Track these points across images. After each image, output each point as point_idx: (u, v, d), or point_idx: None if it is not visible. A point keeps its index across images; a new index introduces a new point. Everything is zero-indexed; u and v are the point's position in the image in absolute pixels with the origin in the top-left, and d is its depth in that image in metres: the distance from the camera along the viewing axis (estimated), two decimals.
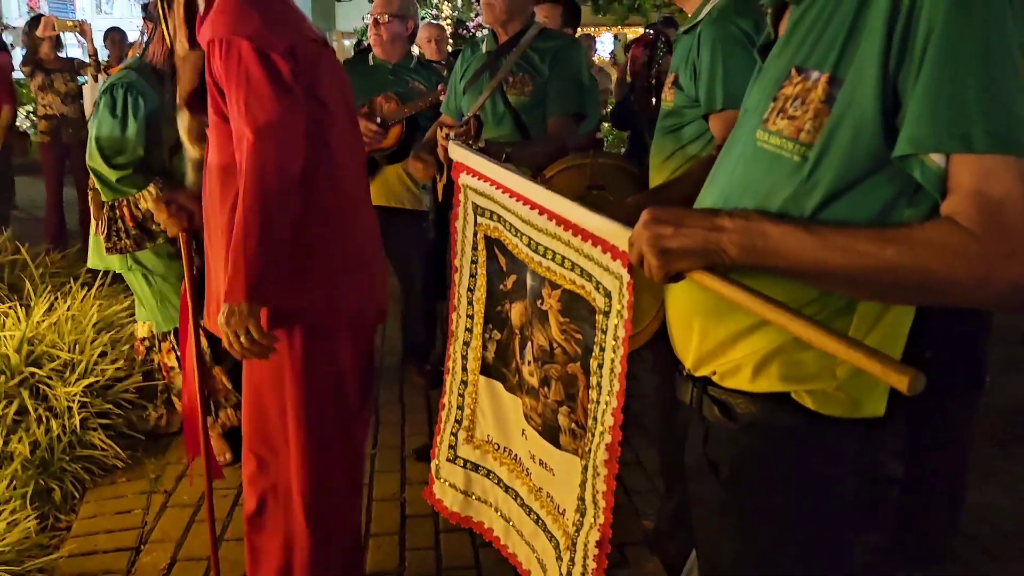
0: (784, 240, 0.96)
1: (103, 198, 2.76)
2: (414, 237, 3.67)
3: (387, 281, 2.08)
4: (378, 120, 3.39)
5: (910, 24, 0.90)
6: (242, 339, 1.63)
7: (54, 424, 2.84)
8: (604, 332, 1.33)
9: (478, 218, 1.67)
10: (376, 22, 3.53)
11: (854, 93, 0.95)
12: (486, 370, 1.72)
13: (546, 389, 1.51)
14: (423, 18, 16.32)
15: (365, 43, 7.02)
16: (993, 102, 0.86)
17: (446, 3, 12.43)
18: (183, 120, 2.05)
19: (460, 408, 1.75)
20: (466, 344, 1.74)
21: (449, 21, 12.51)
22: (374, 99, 3.44)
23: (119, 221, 2.68)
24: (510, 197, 1.53)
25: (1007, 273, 0.86)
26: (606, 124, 7.24)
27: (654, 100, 4.08)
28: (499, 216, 1.60)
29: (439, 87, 3.33)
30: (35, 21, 6.03)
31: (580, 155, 2.64)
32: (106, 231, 2.73)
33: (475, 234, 1.69)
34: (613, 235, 1.25)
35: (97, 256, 2.96)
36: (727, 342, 1.10)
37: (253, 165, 1.60)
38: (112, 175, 2.70)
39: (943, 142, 0.88)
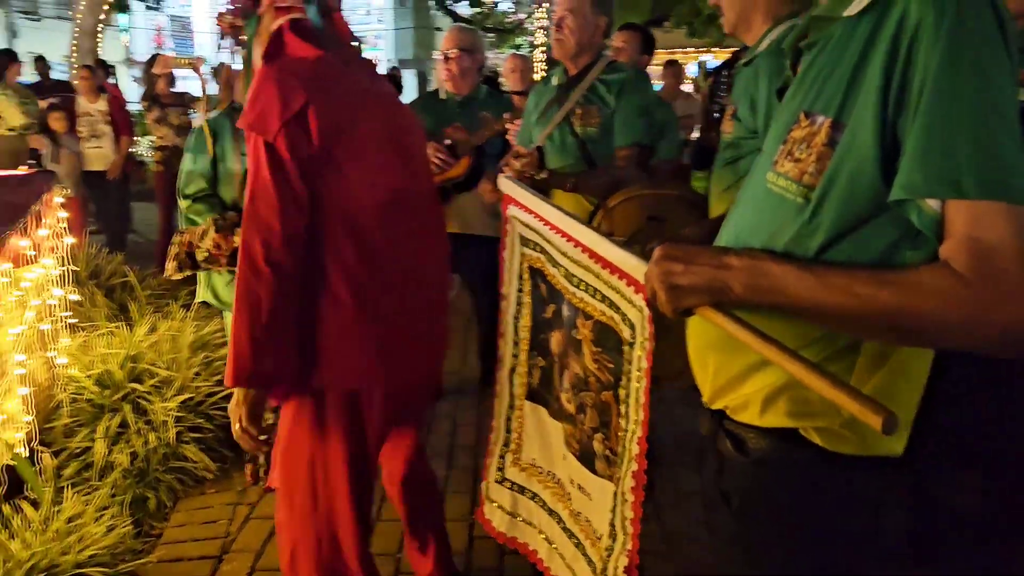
0: (785, 279, 0.98)
1: (180, 226, 2.96)
2: (486, 263, 3.76)
3: (438, 350, 2.03)
4: (446, 143, 3.50)
5: (907, 72, 0.91)
6: (235, 425, 1.71)
7: (151, 437, 3.06)
8: (630, 363, 1.36)
9: (523, 248, 1.73)
10: (446, 57, 3.66)
11: (854, 138, 0.96)
12: (532, 395, 1.77)
13: (582, 416, 1.55)
14: (519, 47, 16.69)
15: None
16: (985, 150, 0.87)
17: (540, 31, 12.63)
18: None
19: (508, 431, 1.81)
20: (513, 370, 1.79)
21: (544, 49, 12.71)
22: (444, 131, 3.56)
23: (175, 245, 2.86)
24: (550, 229, 1.57)
25: (998, 317, 0.86)
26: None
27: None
28: (541, 247, 1.65)
29: (505, 115, 3.42)
30: (153, 60, 6.54)
31: (642, 186, 2.67)
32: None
33: (520, 264, 1.75)
34: (634, 269, 1.28)
35: (203, 288, 3.15)
36: (738, 377, 1.11)
37: (242, 251, 1.64)
38: (183, 204, 2.91)
39: (935, 188, 0.89)
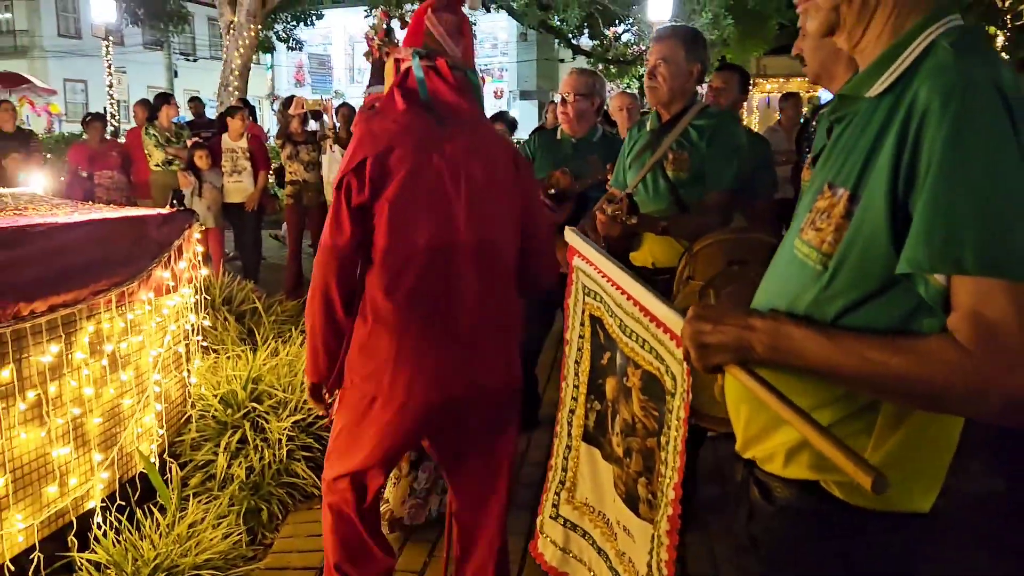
0: (804, 343, 1.05)
1: None
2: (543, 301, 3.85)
3: (475, 376, 2.08)
4: (552, 192, 3.64)
5: (916, 153, 0.97)
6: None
7: (267, 453, 3.34)
8: (670, 412, 1.44)
9: (586, 298, 1.84)
10: (563, 100, 3.76)
11: (867, 211, 1.02)
12: (587, 437, 1.86)
13: (628, 460, 1.64)
14: (627, 86, 16.75)
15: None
16: (986, 229, 0.92)
17: None
18: None
19: (564, 470, 1.91)
20: (572, 412, 1.90)
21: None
22: (552, 173, 3.68)
23: None
24: (607, 281, 1.68)
25: (1001, 389, 0.91)
26: None
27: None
28: (601, 297, 1.76)
29: (608, 165, 3.50)
30: (288, 101, 7.09)
31: (726, 230, 2.70)
32: None
33: (583, 312, 1.86)
34: (675, 324, 1.37)
35: None
36: (765, 430, 1.19)
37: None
38: None
39: (938, 264, 0.94)
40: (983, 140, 0.93)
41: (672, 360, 1.42)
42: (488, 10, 15.45)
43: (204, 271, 3.56)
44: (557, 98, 3.94)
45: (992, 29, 12.63)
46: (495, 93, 32.68)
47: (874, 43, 1.12)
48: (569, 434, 1.91)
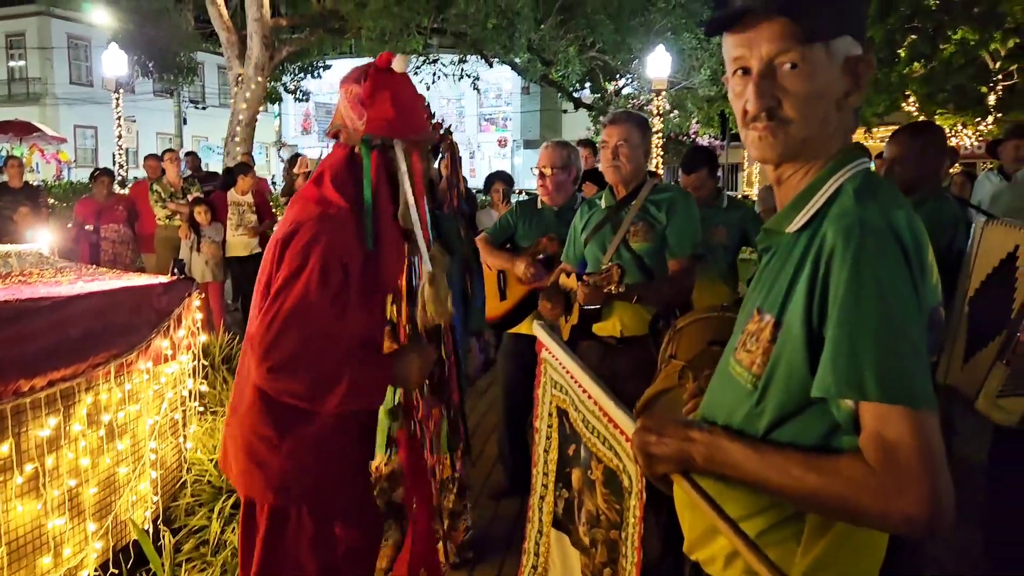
0: (737, 456, 1.13)
1: None
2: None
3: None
4: (540, 257, 3.73)
5: (825, 288, 1.07)
6: None
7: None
8: (628, 509, 1.50)
9: (553, 390, 1.91)
10: (542, 174, 3.83)
11: (788, 338, 1.11)
12: (557, 523, 1.92)
13: (594, 550, 1.69)
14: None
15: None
16: (885, 361, 1.00)
17: (658, 119, 12.94)
18: None
19: (536, 555, 1.96)
20: (542, 498, 1.96)
21: (661, 135, 13.00)
22: (539, 239, 3.79)
23: None
24: (570, 377, 1.75)
25: (901, 506, 0.98)
26: None
27: None
28: (567, 391, 1.83)
29: None
30: (293, 160, 7.25)
31: (711, 307, 2.78)
32: None
33: (550, 402, 1.92)
34: (628, 426, 1.44)
35: None
36: (707, 534, 1.26)
37: None
38: None
39: (844, 391, 1.02)
40: (879, 280, 1.02)
41: (628, 460, 1.49)
42: (491, 65, 15.78)
43: (203, 337, 3.63)
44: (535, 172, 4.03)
45: (983, 88, 12.94)
46: (499, 142, 33.14)
47: (792, 179, 1.22)
48: (540, 519, 1.97)
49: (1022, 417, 2.07)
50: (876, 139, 14.93)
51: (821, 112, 1.16)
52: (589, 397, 1.65)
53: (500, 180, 7.01)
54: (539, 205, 4.00)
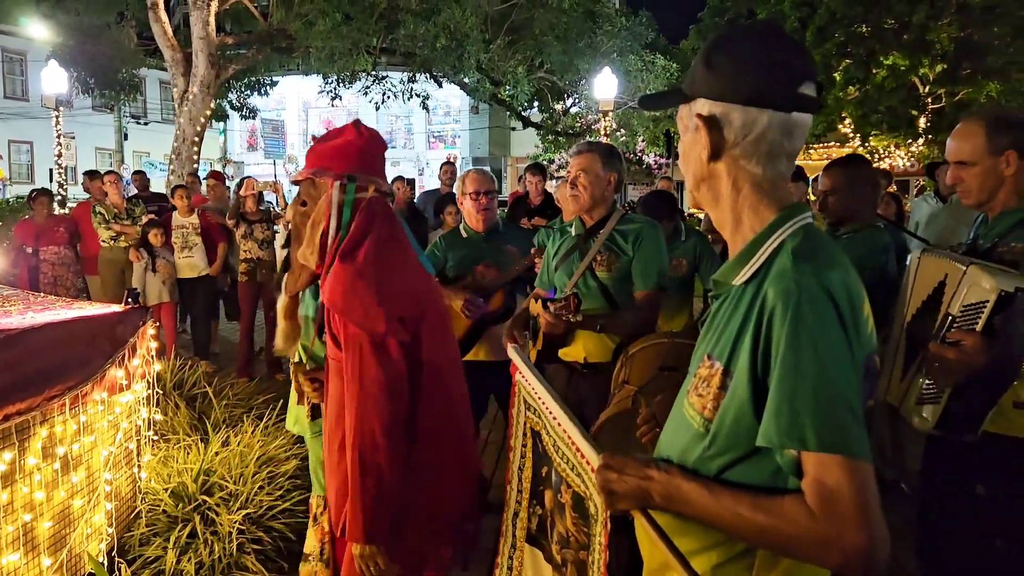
0: (691, 495, 1.22)
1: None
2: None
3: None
4: (479, 287, 3.79)
5: (768, 343, 1.16)
6: (371, 571, 2.00)
7: (216, 547, 3.36)
8: (594, 536, 1.58)
9: (526, 411, 1.98)
10: (477, 196, 3.85)
11: (737, 387, 1.20)
12: (531, 539, 1.98)
13: (565, 569, 1.76)
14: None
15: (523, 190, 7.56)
16: (821, 413, 1.10)
17: (604, 137, 13.19)
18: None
19: (509, 569, 2.03)
20: (516, 514, 2.02)
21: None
22: (476, 269, 3.81)
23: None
24: (542, 403, 1.83)
25: (838, 547, 1.08)
26: None
27: None
28: (539, 414, 1.90)
29: (532, 251, 3.72)
30: (241, 183, 7.20)
31: (662, 333, 2.89)
32: None
33: (524, 423, 1.99)
34: (593, 458, 1.51)
35: (291, 420, 3.19)
36: (662, 568, 1.35)
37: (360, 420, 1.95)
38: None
39: (786, 441, 1.12)
40: (815, 340, 1.11)
41: (593, 489, 1.56)
42: (440, 85, 15.87)
43: (157, 366, 3.62)
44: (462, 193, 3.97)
45: (914, 111, 13.55)
46: (449, 158, 33.21)
47: (729, 230, 1.32)
48: (514, 535, 2.03)
49: (937, 422, 2.23)
50: (814, 160, 15.53)
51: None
52: (559, 424, 1.72)
53: (451, 203, 7.02)
54: (464, 233, 3.97)
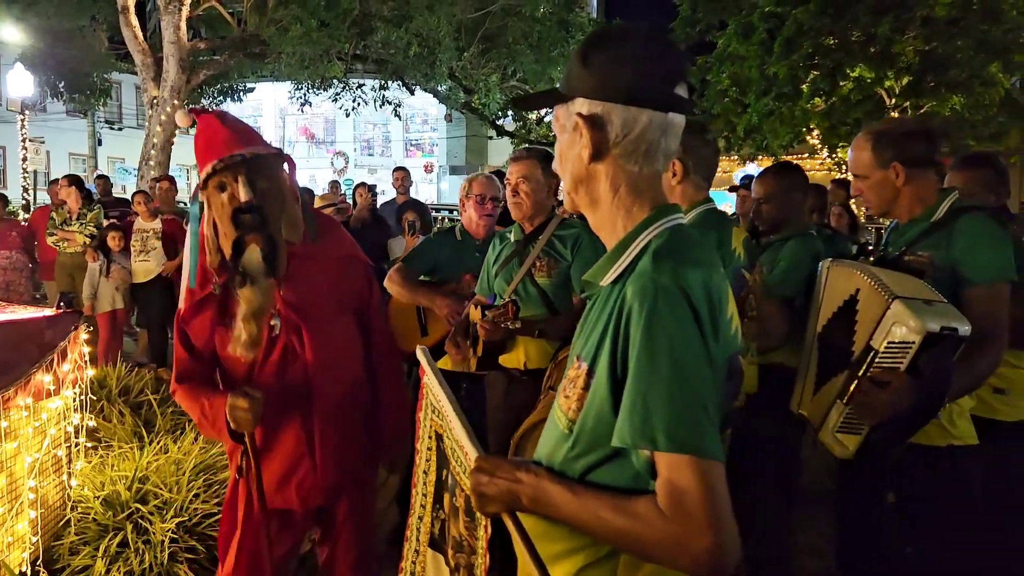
0: (557, 498, 1.21)
1: None
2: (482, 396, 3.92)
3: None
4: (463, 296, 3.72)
5: (626, 342, 1.15)
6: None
7: (147, 556, 3.31)
8: (478, 540, 1.57)
9: (432, 414, 1.97)
10: (481, 201, 3.70)
11: (598, 387, 1.19)
12: (433, 543, 1.97)
13: (458, 574, 1.75)
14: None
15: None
16: (673, 413, 1.09)
17: None
18: None
19: (412, 574, 2.01)
20: (420, 518, 2.01)
21: None
22: (464, 277, 3.68)
23: None
24: (443, 405, 1.81)
25: (688, 547, 1.07)
26: None
27: None
28: (442, 416, 1.89)
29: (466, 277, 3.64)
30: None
31: None
32: None
33: (429, 426, 1.98)
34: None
35: None
36: (532, 572, 1.32)
37: None
38: None
39: (639, 441, 1.11)
40: (670, 339, 1.11)
41: None
42: (412, 92, 15.88)
43: (90, 372, 3.57)
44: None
45: None
46: (425, 167, 33.15)
47: (605, 230, 1.32)
48: (417, 539, 2.01)
49: (856, 451, 2.24)
50: None
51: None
52: (452, 426, 1.71)
53: (412, 209, 6.99)
54: (458, 236, 3.86)
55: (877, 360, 2.09)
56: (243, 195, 2.04)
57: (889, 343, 2.06)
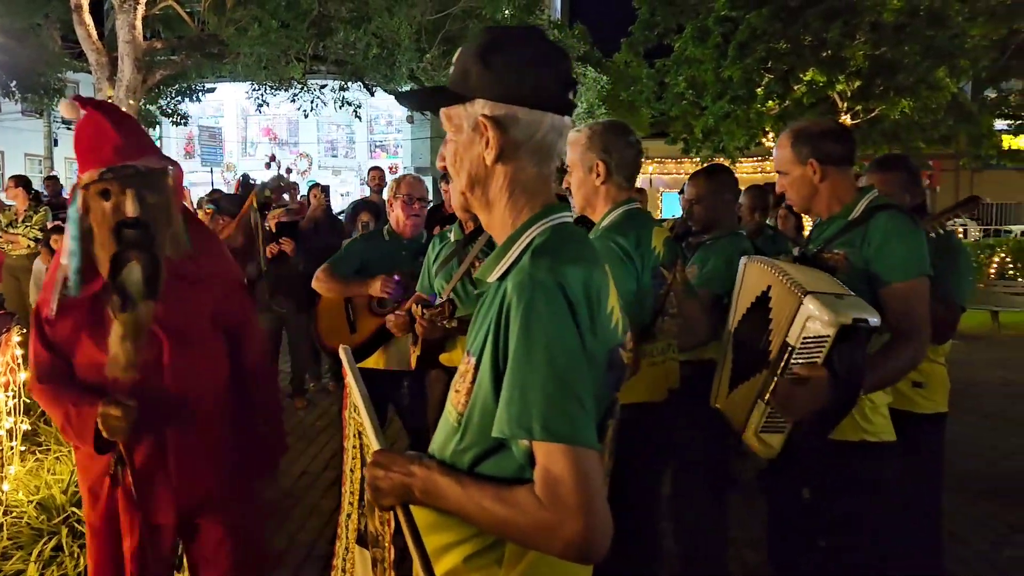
0: (446, 490, 1.25)
1: None
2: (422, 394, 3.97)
3: None
4: (397, 278, 3.74)
5: (506, 336, 1.19)
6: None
7: (83, 560, 3.28)
8: (384, 534, 1.60)
9: (353, 412, 1.99)
10: (408, 201, 3.82)
11: (482, 380, 1.23)
12: (360, 540, 1.99)
13: (376, 569, 1.77)
14: None
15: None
16: (548, 403, 1.12)
17: None
18: None
19: (343, 571, 2.03)
20: (348, 515, 2.03)
21: None
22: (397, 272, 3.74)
23: None
24: (357, 403, 1.84)
25: (561, 534, 1.11)
26: None
27: None
28: (360, 413, 1.91)
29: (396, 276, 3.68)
30: None
31: None
32: None
33: (353, 424, 2.00)
34: None
35: None
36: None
37: None
38: None
39: (516, 431, 1.14)
40: (546, 332, 1.15)
41: None
42: (372, 94, 15.82)
43: (23, 375, 3.53)
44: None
45: None
46: (390, 169, 33.05)
47: (498, 229, 1.35)
48: (347, 536, 2.03)
49: (780, 450, 2.29)
50: (739, 173, 15.90)
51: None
52: (363, 424, 1.74)
53: (366, 210, 6.98)
54: (385, 236, 3.94)
55: (794, 357, 2.13)
56: (131, 210, 1.98)
57: (804, 339, 2.11)
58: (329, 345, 4.03)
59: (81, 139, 2.04)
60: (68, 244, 2.07)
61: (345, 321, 3.92)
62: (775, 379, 2.17)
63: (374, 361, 3.83)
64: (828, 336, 2.05)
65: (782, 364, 2.16)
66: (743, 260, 2.53)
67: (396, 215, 3.86)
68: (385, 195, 4.71)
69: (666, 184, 22.52)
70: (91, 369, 2.09)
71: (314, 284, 3.79)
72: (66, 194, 11.05)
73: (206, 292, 2.23)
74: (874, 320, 2.06)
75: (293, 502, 4.51)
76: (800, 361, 2.12)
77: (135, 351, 2.00)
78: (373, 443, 1.61)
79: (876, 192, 2.42)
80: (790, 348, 2.14)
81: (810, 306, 2.09)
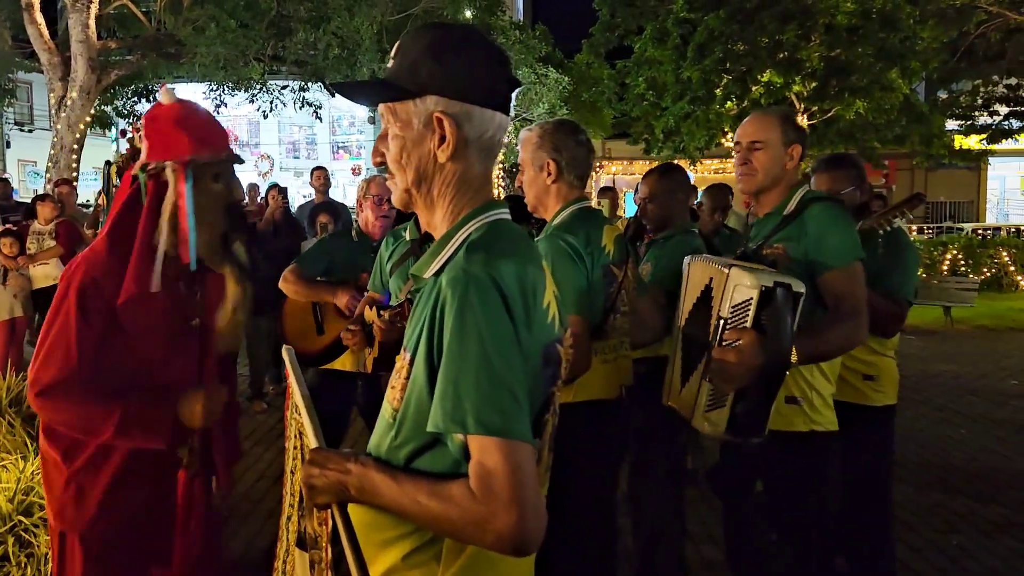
0: (381, 486, 1.24)
1: None
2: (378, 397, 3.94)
3: None
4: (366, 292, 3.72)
5: (441, 331, 1.19)
6: None
7: (30, 569, 3.21)
8: (321, 536, 1.59)
9: (294, 412, 1.97)
10: (378, 202, 3.76)
11: (417, 376, 1.23)
12: (299, 542, 1.97)
13: (314, 573, 1.76)
14: (502, 164, 17.31)
15: None
16: (481, 396, 1.12)
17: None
18: None
19: (284, 573, 2.01)
20: (288, 518, 2.01)
21: (502, 164, 13.36)
22: (361, 276, 3.70)
23: None
24: (302, 404, 1.83)
25: (494, 527, 1.11)
26: None
27: None
28: (300, 413, 1.90)
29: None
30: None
31: None
32: None
33: (294, 425, 1.98)
34: None
35: None
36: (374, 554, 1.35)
37: None
38: None
39: (450, 425, 1.14)
40: (479, 327, 1.14)
41: None
42: (333, 95, 15.69)
43: None
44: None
45: None
46: (353, 170, 32.82)
47: (439, 227, 1.35)
48: (287, 539, 2.01)
49: (726, 427, 2.30)
50: (700, 172, 16.13)
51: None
52: (303, 425, 1.72)
53: (326, 211, 6.93)
54: (355, 237, 3.89)
55: (728, 326, 2.19)
56: (239, 194, 2.17)
57: (732, 307, 2.18)
58: (296, 347, 3.98)
59: (190, 125, 2.04)
60: (188, 220, 2.03)
61: (313, 322, 3.88)
62: (709, 351, 2.22)
63: (341, 363, 3.80)
64: (751, 299, 2.12)
65: (717, 338, 2.21)
66: (686, 260, 2.57)
67: (366, 216, 3.83)
68: (352, 197, 4.64)
69: (628, 184, 22.75)
70: (140, 363, 2.06)
71: (281, 285, 3.75)
72: (17, 197, 10.80)
73: (220, 286, 2.26)
74: (797, 287, 2.12)
75: (251, 506, 4.45)
76: (730, 328, 2.18)
77: (239, 324, 2.15)
78: (312, 443, 1.60)
79: (808, 187, 2.52)
80: (723, 320, 2.21)
81: (734, 274, 2.18)
